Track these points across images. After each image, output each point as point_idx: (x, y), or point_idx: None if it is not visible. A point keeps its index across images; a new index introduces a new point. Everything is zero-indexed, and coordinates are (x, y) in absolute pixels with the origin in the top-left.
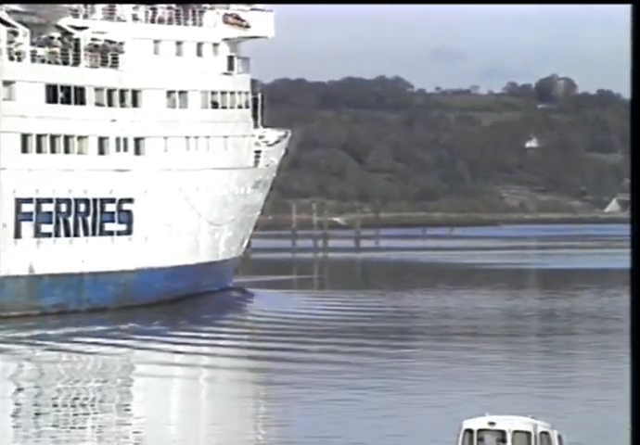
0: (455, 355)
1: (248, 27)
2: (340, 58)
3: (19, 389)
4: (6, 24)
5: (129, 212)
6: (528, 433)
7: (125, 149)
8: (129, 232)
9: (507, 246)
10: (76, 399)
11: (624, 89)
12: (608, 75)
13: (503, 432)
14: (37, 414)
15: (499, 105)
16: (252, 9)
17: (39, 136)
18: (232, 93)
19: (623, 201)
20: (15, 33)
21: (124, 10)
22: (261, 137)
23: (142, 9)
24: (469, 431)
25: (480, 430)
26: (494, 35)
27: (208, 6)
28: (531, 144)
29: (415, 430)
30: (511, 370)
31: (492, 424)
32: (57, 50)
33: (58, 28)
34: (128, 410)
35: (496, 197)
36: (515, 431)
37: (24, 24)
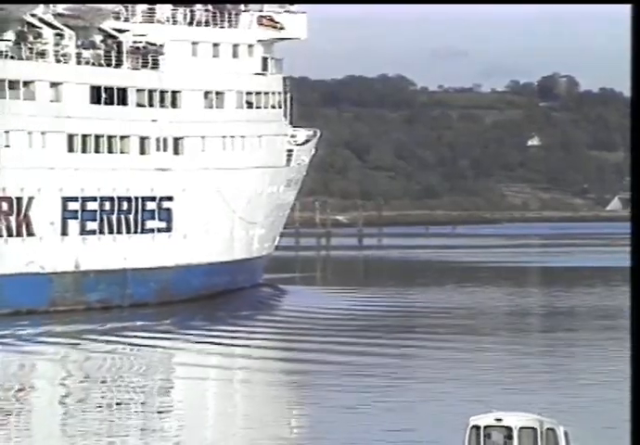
0: (468, 351)
1: (282, 28)
2: (343, 57)
3: (68, 377)
4: (53, 27)
5: (168, 210)
6: (534, 429)
7: (165, 149)
8: (168, 229)
9: (510, 244)
10: (121, 387)
11: (626, 87)
12: (611, 73)
13: (509, 428)
14: (84, 412)
15: (501, 103)
16: (286, 11)
17: (84, 136)
18: (266, 93)
19: (625, 199)
20: (61, 36)
21: (163, 13)
22: (292, 137)
23: (180, 12)
24: (476, 428)
25: (486, 427)
26: (496, 34)
27: (243, 7)
28: (533, 142)
29: (423, 426)
30: (515, 365)
31: (498, 420)
32: (101, 52)
33: (102, 31)
34: (169, 400)
35: (498, 195)
36: (521, 428)
37: (70, 27)
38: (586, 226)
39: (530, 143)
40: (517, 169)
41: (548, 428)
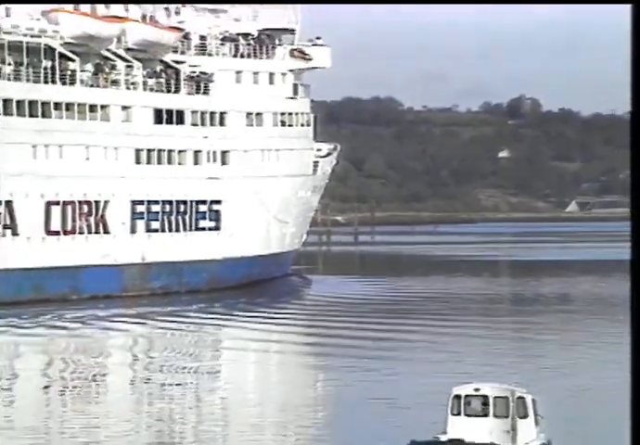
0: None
1: (310, 59)
2: (341, 81)
3: (134, 360)
4: (124, 60)
5: (217, 212)
6: (507, 398)
7: (214, 160)
8: (217, 228)
9: (483, 241)
10: (183, 355)
11: (583, 107)
12: (568, 95)
13: (486, 397)
14: (148, 379)
15: (476, 121)
16: (313, 45)
17: (149, 151)
18: (296, 114)
19: (581, 203)
20: (130, 67)
21: (213, 47)
22: (318, 150)
23: (227, 46)
24: (458, 397)
25: (466, 396)
26: (471, 61)
27: (277, 41)
28: (503, 154)
29: (412, 396)
30: (489, 343)
31: (477, 390)
32: (163, 80)
33: (163, 62)
34: (218, 371)
35: (474, 199)
36: (496, 396)
37: (137, 59)
38: (548, 226)
39: (500, 155)
40: (489, 177)
41: (519, 397)
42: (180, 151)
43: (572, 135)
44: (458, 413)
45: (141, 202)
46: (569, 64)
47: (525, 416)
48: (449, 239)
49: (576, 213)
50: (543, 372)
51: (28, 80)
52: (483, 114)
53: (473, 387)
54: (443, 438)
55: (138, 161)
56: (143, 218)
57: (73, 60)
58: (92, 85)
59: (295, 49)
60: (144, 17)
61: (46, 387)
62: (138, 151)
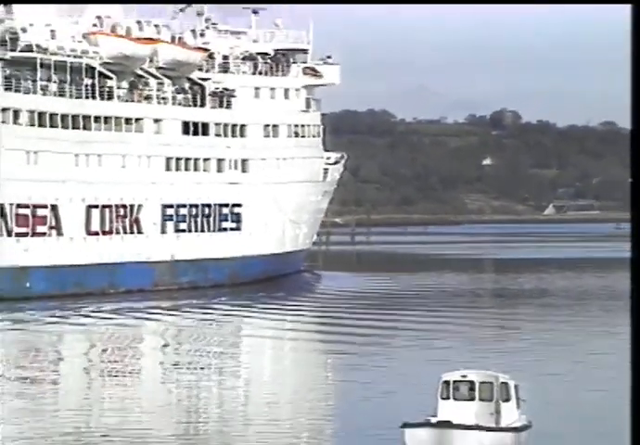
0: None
1: (321, 76)
2: (340, 95)
3: (165, 345)
4: (156, 77)
5: (238, 214)
6: (491, 383)
7: (235, 168)
8: (238, 228)
9: (469, 241)
10: (212, 340)
11: (559, 119)
12: (545, 108)
13: (472, 382)
14: (177, 362)
15: (462, 132)
16: (324, 63)
17: (177, 159)
18: (308, 125)
19: (558, 206)
20: (161, 84)
21: (235, 65)
22: (328, 158)
23: (247, 65)
24: (447, 382)
25: (455, 381)
26: (458, 77)
27: (291, 60)
28: (487, 162)
29: (405, 382)
30: (475, 331)
31: (464, 376)
32: (189, 96)
33: (189, 79)
34: (239, 353)
35: (460, 202)
36: (481, 382)
37: (167, 77)
38: (527, 227)
39: (484, 163)
40: (474, 182)
41: (502, 382)
42: (205, 159)
43: (549, 145)
44: (447, 398)
45: (170, 205)
46: (546, 79)
47: (508, 400)
48: (438, 239)
49: (553, 216)
50: (523, 358)
51: (71, 96)
52: (468, 125)
53: (460, 374)
54: (434, 420)
55: (168, 169)
56: (172, 220)
57: (111, 78)
58: (127, 100)
59: (307, 67)
60: (173, 38)
61: (87, 367)
62: (168, 159)
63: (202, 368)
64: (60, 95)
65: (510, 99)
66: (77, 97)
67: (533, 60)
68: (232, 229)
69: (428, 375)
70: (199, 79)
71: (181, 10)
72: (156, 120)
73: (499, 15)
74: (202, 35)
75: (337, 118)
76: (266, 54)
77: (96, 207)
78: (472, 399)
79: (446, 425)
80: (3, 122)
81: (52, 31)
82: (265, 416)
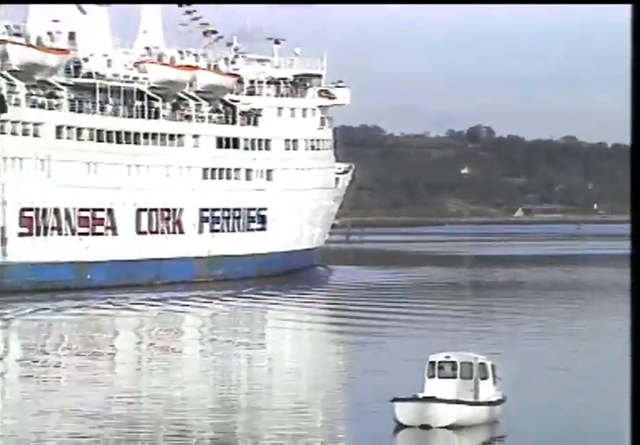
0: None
1: (333, 98)
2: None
3: (203, 325)
4: (194, 99)
5: (263, 217)
6: (471, 363)
7: (261, 177)
8: (263, 229)
9: (449, 239)
10: (246, 321)
11: (527, 134)
12: (515, 124)
13: (454, 363)
14: (213, 339)
15: (443, 144)
16: (337, 86)
17: (212, 169)
18: (322, 140)
19: (526, 209)
20: (199, 105)
21: (260, 89)
22: (338, 168)
23: (271, 88)
24: (432, 363)
25: (439, 362)
26: (440, 96)
27: (308, 84)
28: (465, 171)
29: (396, 363)
30: (457, 318)
31: (447, 357)
32: (223, 115)
33: (222, 101)
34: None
35: (442, 206)
36: (462, 362)
37: (204, 99)
38: (500, 228)
39: (462, 172)
40: (454, 189)
41: (480, 363)
42: (236, 169)
43: (519, 157)
44: (433, 376)
45: (206, 209)
46: (517, 98)
47: (485, 378)
48: (422, 238)
49: (522, 218)
50: (499, 341)
51: (124, 116)
52: (448, 139)
53: (444, 355)
54: (420, 395)
55: (205, 177)
56: (208, 221)
57: (157, 100)
58: (171, 119)
59: (322, 90)
60: (209, 65)
61: (138, 344)
62: (205, 170)
63: (235, 344)
64: (115, 115)
65: (485, 116)
66: (129, 117)
67: (505, 81)
68: (258, 229)
69: (417, 355)
70: (231, 100)
71: (215, 41)
72: (194, 136)
73: (472, 42)
74: (233, 63)
75: (334, 132)
76: (287, 78)
77: (145, 210)
78: (454, 377)
79: (430, 399)
80: (68, 138)
81: (108, 60)
82: (284, 387)
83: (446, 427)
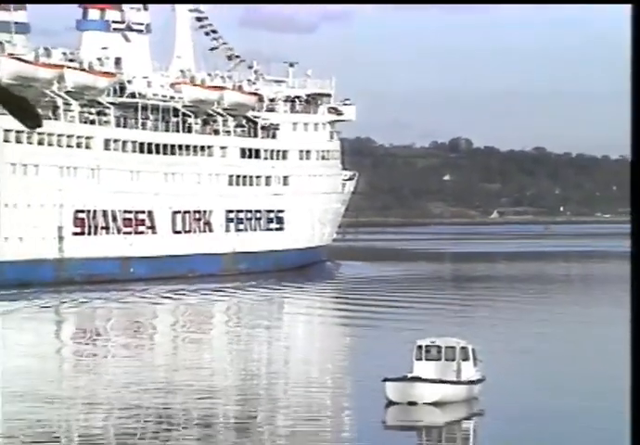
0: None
1: (341, 114)
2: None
3: (228, 309)
4: (222, 115)
5: (281, 218)
6: (454, 347)
7: (279, 183)
8: (281, 229)
9: (434, 238)
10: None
11: (501, 145)
12: (491, 136)
13: (439, 347)
14: (237, 323)
15: (427, 154)
16: (344, 104)
17: (237, 176)
18: (331, 151)
19: (500, 211)
20: (226, 121)
21: (278, 106)
22: (345, 176)
23: (287, 105)
24: (420, 347)
25: (426, 346)
26: (424, 112)
27: (319, 102)
28: (446, 178)
29: (386, 347)
30: (442, 306)
31: (433, 342)
32: (246, 129)
33: (245, 117)
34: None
35: (427, 209)
36: (446, 346)
37: (230, 115)
38: (478, 228)
39: (444, 178)
40: (437, 193)
41: (462, 347)
42: (257, 176)
43: (494, 165)
44: (420, 359)
45: (232, 211)
46: (493, 113)
47: (466, 360)
48: (409, 237)
49: (497, 219)
50: (479, 326)
51: (162, 130)
52: (432, 150)
53: (430, 340)
54: (409, 375)
55: (230, 184)
56: (233, 222)
57: (190, 116)
58: (201, 133)
59: (331, 107)
60: (234, 86)
61: (175, 327)
62: (230, 177)
63: (258, 326)
64: (154, 130)
65: (464, 129)
66: (166, 131)
67: (483, 99)
68: (276, 229)
69: (409, 339)
70: (253, 116)
71: (238, 64)
72: (222, 148)
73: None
74: (254, 83)
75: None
76: (300, 97)
77: (180, 212)
78: (439, 359)
79: (416, 379)
80: (115, 150)
81: (148, 81)
82: (295, 364)
83: (431, 404)
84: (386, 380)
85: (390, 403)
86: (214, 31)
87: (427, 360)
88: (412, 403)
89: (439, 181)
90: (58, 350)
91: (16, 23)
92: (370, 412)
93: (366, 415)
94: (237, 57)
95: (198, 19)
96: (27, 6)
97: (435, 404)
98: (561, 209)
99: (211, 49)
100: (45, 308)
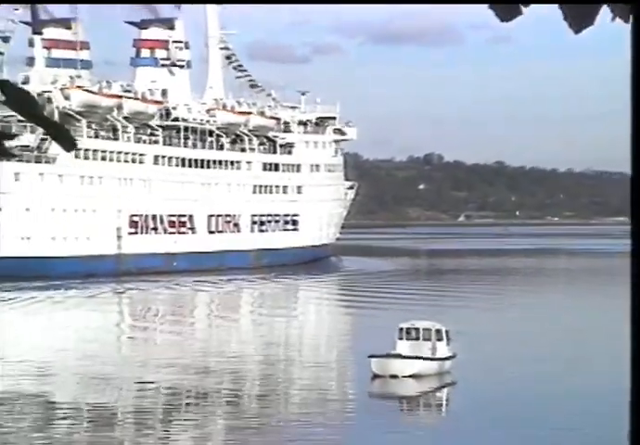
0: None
1: (344, 134)
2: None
3: (254, 293)
4: (247, 136)
5: (296, 220)
6: (429, 329)
7: (294, 191)
8: (296, 229)
9: (412, 237)
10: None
11: (467, 159)
12: (460, 151)
13: (418, 329)
14: (260, 306)
15: (405, 167)
16: (347, 126)
17: (260, 186)
18: (336, 165)
19: (467, 215)
20: (251, 140)
21: (293, 127)
22: (346, 185)
23: (300, 127)
24: (401, 329)
25: (407, 328)
26: (405, 131)
27: (326, 124)
28: (422, 187)
29: (374, 329)
30: (420, 295)
31: (412, 325)
32: (267, 147)
33: (267, 137)
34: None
35: (405, 213)
36: (424, 328)
37: (255, 135)
38: (448, 229)
39: (420, 187)
40: (414, 200)
41: (437, 329)
42: (276, 186)
43: (461, 176)
44: (401, 338)
45: (256, 215)
46: (460, 132)
47: (440, 340)
48: (392, 237)
49: (464, 222)
50: (451, 312)
51: (199, 148)
52: (409, 163)
53: (410, 323)
54: (392, 353)
55: (254, 192)
56: (257, 224)
57: (222, 136)
58: (231, 150)
59: (336, 128)
60: (257, 111)
61: (210, 310)
62: (255, 186)
63: (280, 309)
64: (194, 148)
65: (436, 145)
66: (202, 149)
67: (452, 117)
68: (292, 229)
69: (394, 322)
70: (273, 136)
71: (258, 92)
72: (247, 162)
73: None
74: (274, 108)
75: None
76: (311, 120)
77: (214, 216)
78: (417, 339)
79: (397, 356)
80: (162, 164)
81: (188, 108)
82: (305, 343)
83: (409, 376)
84: (371, 356)
85: (376, 376)
86: (240, 65)
87: (407, 340)
88: (393, 376)
89: (415, 189)
90: (122, 325)
91: (81, 61)
92: (359, 383)
93: (356, 386)
94: (259, 86)
95: (227, 57)
96: (90, 44)
97: (413, 377)
98: (517, 213)
99: (237, 78)
100: (118, 293)
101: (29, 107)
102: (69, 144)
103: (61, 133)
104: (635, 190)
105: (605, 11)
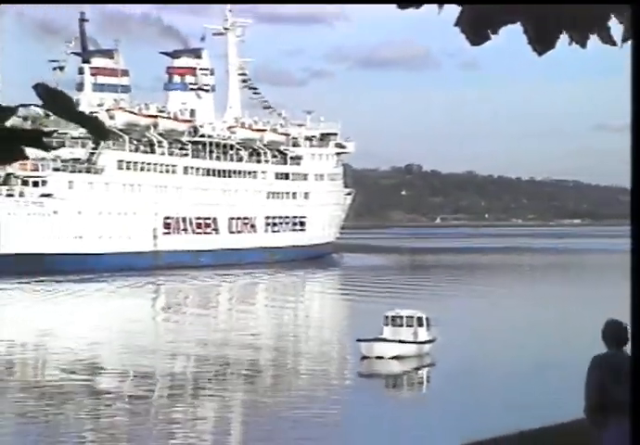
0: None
1: (344, 147)
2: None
3: (269, 292)
4: (262, 150)
5: (303, 222)
6: (412, 317)
7: (302, 197)
8: (303, 230)
9: (395, 237)
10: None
11: (442, 169)
12: (436, 162)
13: (402, 316)
14: (271, 297)
15: (389, 176)
16: (346, 140)
17: (273, 192)
18: (337, 174)
19: (443, 218)
20: (265, 153)
21: (300, 142)
22: (345, 192)
23: (307, 141)
24: (387, 316)
25: (392, 316)
26: (389, 144)
27: (329, 138)
28: (403, 193)
29: (362, 317)
30: (404, 286)
31: (397, 313)
32: (279, 159)
33: (279, 150)
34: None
35: (389, 216)
36: (407, 316)
37: (269, 149)
38: (426, 230)
39: (402, 193)
40: (397, 204)
41: (418, 316)
42: (286, 192)
43: (437, 184)
44: (387, 325)
45: (269, 217)
46: (437, 145)
47: (422, 326)
48: (378, 236)
49: (440, 224)
50: (431, 301)
51: (222, 160)
52: (392, 172)
53: (395, 312)
54: (379, 337)
55: (268, 198)
56: (270, 225)
57: (241, 150)
58: (248, 162)
59: (338, 143)
60: (271, 129)
61: (230, 299)
62: (268, 193)
63: (291, 296)
64: (217, 160)
65: (416, 157)
66: (224, 160)
67: (429, 133)
68: (300, 230)
69: (380, 312)
70: (284, 150)
71: (270, 112)
72: (262, 172)
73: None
74: (284, 126)
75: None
76: (316, 136)
77: (234, 218)
78: (402, 325)
79: (383, 340)
80: (191, 174)
81: (213, 126)
82: (307, 328)
83: (393, 358)
84: (359, 340)
85: (364, 357)
86: (255, 88)
87: (392, 326)
88: (379, 357)
89: (398, 195)
90: (163, 310)
91: (122, 86)
92: (349, 362)
93: (346, 365)
94: (271, 107)
95: (244, 81)
96: (129, 71)
97: (396, 358)
98: (486, 216)
99: (251, 99)
100: (157, 285)
101: (65, 105)
102: (103, 134)
103: (96, 126)
104: (636, 191)
105: (564, 37)
